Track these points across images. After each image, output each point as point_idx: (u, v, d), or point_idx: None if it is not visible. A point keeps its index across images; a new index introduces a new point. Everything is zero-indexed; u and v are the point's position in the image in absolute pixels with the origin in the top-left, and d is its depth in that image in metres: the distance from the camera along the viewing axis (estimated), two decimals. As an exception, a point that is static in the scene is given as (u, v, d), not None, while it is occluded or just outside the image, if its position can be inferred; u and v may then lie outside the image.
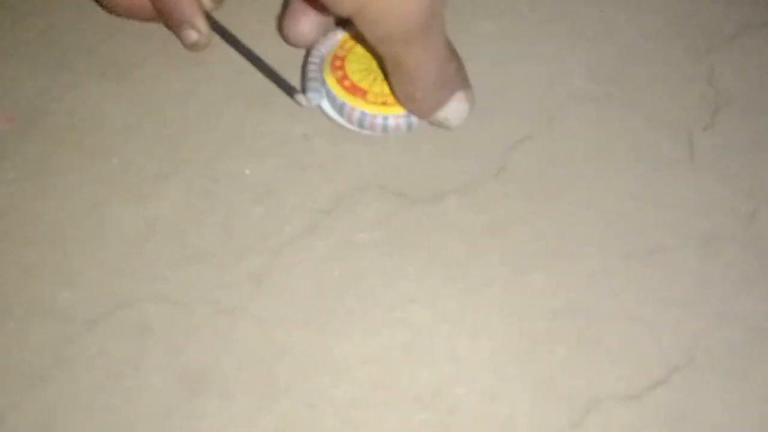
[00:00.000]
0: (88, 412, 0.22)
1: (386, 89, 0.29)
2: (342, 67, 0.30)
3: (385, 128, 0.29)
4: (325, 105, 0.29)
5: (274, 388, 0.23)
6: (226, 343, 0.24)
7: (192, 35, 0.30)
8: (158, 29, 0.32)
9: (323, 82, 0.29)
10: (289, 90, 0.29)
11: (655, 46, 0.33)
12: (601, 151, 0.29)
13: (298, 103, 0.29)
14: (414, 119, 0.28)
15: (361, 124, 0.29)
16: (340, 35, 0.30)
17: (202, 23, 0.30)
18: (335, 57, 0.30)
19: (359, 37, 0.30)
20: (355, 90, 0.29)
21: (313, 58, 0.30)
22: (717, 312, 0.25)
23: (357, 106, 0.28)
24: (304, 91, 0.29)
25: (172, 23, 0.31)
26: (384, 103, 0.29)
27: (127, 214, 0.26)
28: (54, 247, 0.26)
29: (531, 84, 0.31)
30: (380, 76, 0.29)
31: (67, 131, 0.29)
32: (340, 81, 0.29)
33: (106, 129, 0.29)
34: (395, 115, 0.28)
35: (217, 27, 0.31)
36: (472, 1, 0.34)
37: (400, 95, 0.28)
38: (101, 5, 0.32)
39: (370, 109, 0.28)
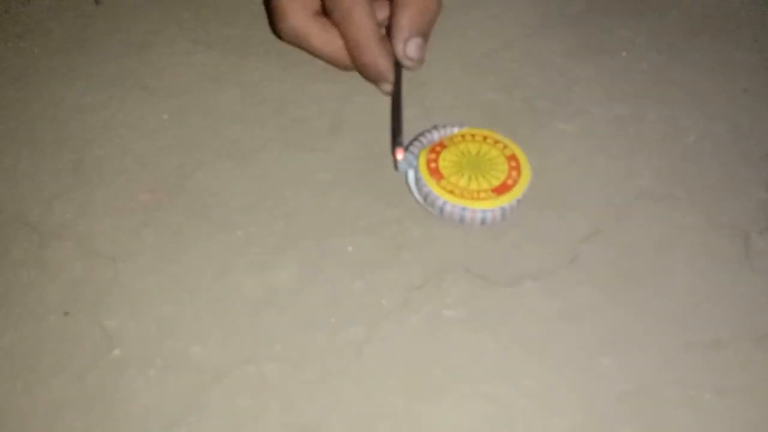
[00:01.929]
0: (215, 453, 0.26)
1: (463, 184, 0.33)
2: (438, 153, 0.34)
3: (462, 219, 0.33)
4: (412, 182, 0.34)
5: (373, 444, 0.26)
6: (333, 402, 0.27)
7: (387, 87, 0.37)
8: (277, 119, 0.37)
9: (416, 158, 0.34)
10: (395, 142, 0.34)
11: (716, 150, 0.37)
12: (665, 246, 0.33)
13: (394, 159, 0.34)
14: (489, 216, 0.32)
15: (441, 211, 0.33)
16: (457, 129, 0.35)
17: (393, 76, 0.37)
18: (439, 143, 0.34)
19: (470, 137, 0.35)
20: (434, 173, 0.33)
21: (423, 138, 0.35)
22: (769, 404, 0.28)
23: (440, 194, 0.32)
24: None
25: (370, 77, 0.37)
26: (459, 195, 0.33)
27: (250, 282, 0.31)
28: (187, 306, 0.30)
29: (602, 181, 0.35)
30: (467, 174, 0.33)
31: (198, 205, 0.33)
32: (429, 162, 0.33)
33: (231, 204, 0.33)
34: (472, 209, 0.32)
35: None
36: (551, 103, 0.38)
37: None
38: (273, 29, 0.39)
39: (449, 198, 0.32)
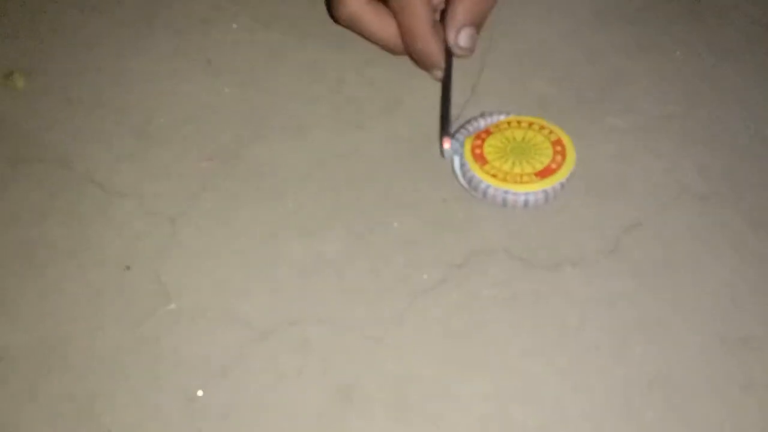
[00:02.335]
0: (257, 404, 0.28)
1: (507, 168, 0.34)
2: (483, 139, 0.35)
3: (504, 202, 0.33)
4: (457, 167, 0.35)
5: (404, 408, 0.28)
6: (371, 365, 0.29)
7: (438, 74, 0.38)
8: (332, 98, 0.38)
9: (462, 144, 0.35)
10: (443, 130, 0.35)
11: (764, 152, 0.37)
12: (705, 243, 0.33)
13: (440, 146, 0.35)
14: (531, 199, 0.33)
15: (484, 195, 0.34)
16: (503, 117, 0.36)
17: (444, 63, 0.38)
18: (486, 130, 0.35)
19: (516, 123, 0.36)
20: (479, 158, 0.34)
21: (469, 126, 0.36)
22: (799, 402, 0.28)
23: (483, 179, 0.33)
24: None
25: (422, 64, 0.38)
26: (502, 179, 0.33)
27: (298, 248, 0.32)
28: (238, 267, 0.32)
29: (646, 175, 0.35)
30: (512, 159, 0.34)
31: (253, 174, 0.35)
32: (473, 148, 0.34)
33: (284, 175, 0.35)
34: (514, 192, 0.33)
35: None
36: (601, 97, 0.39)
37: None
38: (331, 13, 0.40)
39: (492, 182, 0.33)
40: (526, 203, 0.33)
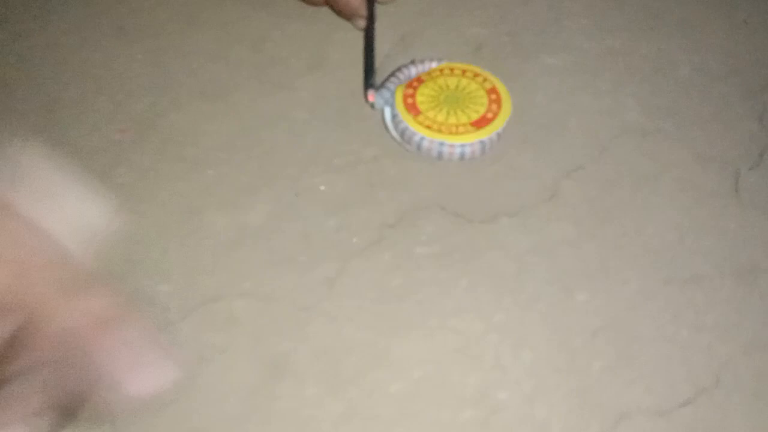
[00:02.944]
0: (181, 389, 0.26)
1: (441, 119, 0.32)
2: (415, 88, 0.33)
3: (440, 155, 0.32)
4: (388, 118, 0.33)
5: (340, 378, 0.26)
6: (302, 336, 0.27)
7: (360, 23, 0.36)
8: (254, 58, 0.36)
9: (393, 94, 0.33)
10: (367, 82, 0.33)
11: (709, 84, 0.35)
12: (649, 182, 0.31)
13: (366, 98, 0.33)
14: (468, 151, 0.31)
15: (419, 147, 0.32)
16: (435, 64, 0.34)
17: (365, 11, 0.36)
18: (417, 78, 0.33)
19: (449, 71, 0.33)
20: (411, 108, 0.32)
21: (400, 74, 0.34)
22: (747, 340, 0.27)
23: (417, 130, 0.31)
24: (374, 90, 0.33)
25: (343, 13, 0.36)
26: (437, 130, 0.31)
27: (221, 220, 0.30)
28: (155, 245, 0.30)
29: (586, 116, 0.34)
30: (446, 109, 0.32)
31: (170, 144, 0.33)
32: (405, 97, 0.32)
33: (204, 144, 0.33)
34: (450, 143, 0.31)
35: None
36: (538, 37, 0.37)
37: None
38: None
39: (426, 134, 0.31)
40: (462, 155, 0.32)
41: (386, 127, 0.33)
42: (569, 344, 0.27)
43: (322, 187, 0.31)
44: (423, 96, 0.33)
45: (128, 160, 0.32)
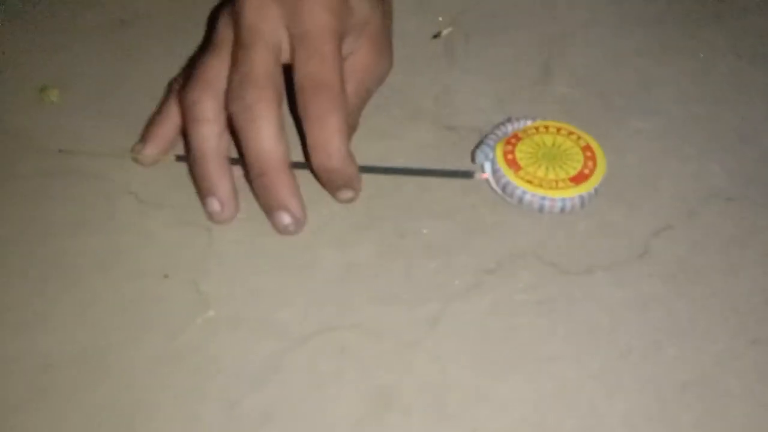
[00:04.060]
0: (296, 410, 0.28)
1: (541, 174, 0.34)
2: (513, 145, 0.35)
3: (541, 208, 0.34)
4: (490, 175, 0.35)
5: (444, 413, 0.28)
6: (407, 370, 0.29)
7: (349, 195, 0.34)
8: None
9: (492, 149, 0.35)
10: (463, 174, 0.35)
11: (792, 154, 0.37)
12: (736, 245, 0.33)
13: (472, 154, 0.35)
14: (568, 204, 0.33)
15: (520, 201, 0.34)
16: (530, 122, 0.36)
17: (360, 183, 0.34)
18: (514, 135, 0.36)
19: (543, 129, 0.36)
20: (512, 164, 0.34)
21: (498, 131, 0.36)
22: (835, 403, 0.28)
23: (518, 185, 0.34)
24: (474, 150, 0.35)
25: (330, 185, 0.34)
26: (537, 185, 0.34)
27: (332, 256, 0.33)
28: (274, 275, 0.32)
29: (674, 178, 0.36)
30: (544, 165, 0.35)
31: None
32: (505, 153, 0.35)
33: (316, 184, 0.35)
34: (552, 197, 0.34)
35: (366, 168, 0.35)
36: (626, 101, 0.39)
37: None
38: None
39: (528, 188, 0.34)
40: (563, 209, 0.34)
41: (487, 181, 0.35)
42: (660, 396, 0.29)
43: (425, 231, 0.34)
44: (522, 153, 0.35)
45: (249, 196, 0.35)
